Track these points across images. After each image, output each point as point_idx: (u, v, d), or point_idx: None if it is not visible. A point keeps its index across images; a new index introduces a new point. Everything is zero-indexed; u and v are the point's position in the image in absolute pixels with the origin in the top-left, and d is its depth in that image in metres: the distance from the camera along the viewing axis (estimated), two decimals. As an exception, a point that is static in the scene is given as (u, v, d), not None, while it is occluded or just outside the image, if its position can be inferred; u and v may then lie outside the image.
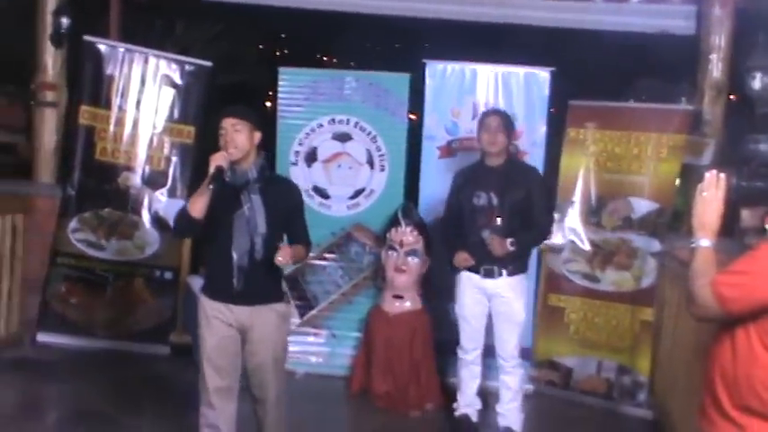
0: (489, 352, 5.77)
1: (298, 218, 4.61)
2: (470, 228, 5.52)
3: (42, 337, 6.90)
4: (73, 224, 6.91)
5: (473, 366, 5.76)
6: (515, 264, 5.52)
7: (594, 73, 8.50)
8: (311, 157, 6.87)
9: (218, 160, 4.23)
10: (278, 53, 13.80)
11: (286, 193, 4.59)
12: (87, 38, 6.95)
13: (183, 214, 4.33)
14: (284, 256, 4.29)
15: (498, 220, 5.41)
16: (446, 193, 6.33)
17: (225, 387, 4.48)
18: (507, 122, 5.57)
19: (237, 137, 4.31)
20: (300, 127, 6.85)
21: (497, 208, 5.44)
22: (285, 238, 4.54)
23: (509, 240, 5.36)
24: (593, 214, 6.68)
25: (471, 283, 5.58)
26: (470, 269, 5.55)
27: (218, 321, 4.42)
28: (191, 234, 4.54)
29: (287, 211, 4.53)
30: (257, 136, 4.43)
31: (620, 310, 6.58)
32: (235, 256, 4.35)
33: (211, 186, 4.20)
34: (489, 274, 5.50)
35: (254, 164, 4.40)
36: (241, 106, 4.47)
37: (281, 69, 6.99)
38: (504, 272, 5.48)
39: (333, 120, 6.84)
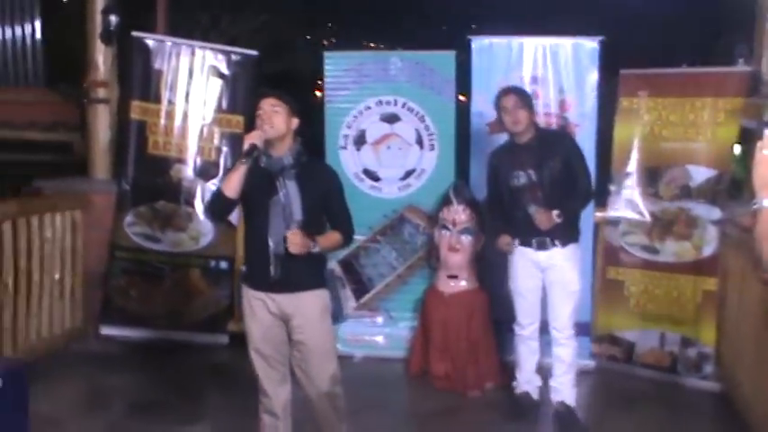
0: (546, 328, 5.68)
1: (336, 203, 4.53)
2: (514, 206, 5.47)
3: (105, 330, 7.02)
4: (129, 218, 6.99)
5: (530, 342, 5.70)
6: (566, 233, 5.45)
7: (646, 39, 8.31)
8: (360, 140, 6.84)
9: (252, 138, 4.21)
10: (324, 41, 13.81)
11: (322, 178, 4.51)
12: (135, 34, 7.02)
13: (216, 195, 4.34)
14: (293, 247, 4.22)
15: (540, 195, 5.33)
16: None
17: (275, 374, 4.49)
18: (524, 97, 5.47)
19: (275, 117, 4.27)
20: (348, 110, 6.82)
21: (537, 184, 5.36)
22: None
23: (555, 212, 5.29)
24: (649, 184, 6.53)
25: (524, 258, 5.52)
26: (523, 243, 5.49)
27: (261, 310, 4.40)
28: (224, 214, 4.51)
29: (324, 196, 4.45)
30: (294, 122, 4.37)
31: (681, 281, 6.42)
32: (271, 243, 4.28)
33: (245, 161, 4.16)
34: (542, 246, 5.44)
35: (289, 150, 4.34)
36: (280, 90, 4.44)
37: (326, 54, 6.97)
38: (557, 242, 5.41)
39: (380, 101, 6.80)
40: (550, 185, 5.34)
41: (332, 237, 4.50)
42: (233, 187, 4.21)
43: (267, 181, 4.30)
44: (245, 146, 4.19)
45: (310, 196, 4.34)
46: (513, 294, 5.68)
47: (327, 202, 4.47)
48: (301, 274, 4.35)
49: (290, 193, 4.30)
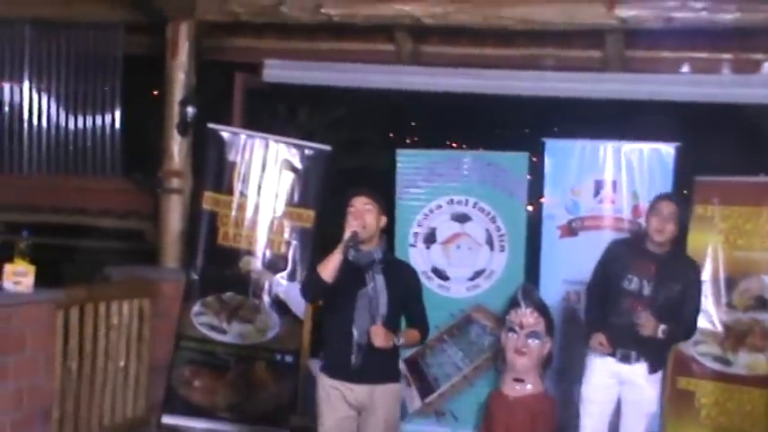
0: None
1: (416, 301, 4.76)
2: (612, 308, 5.28)
3: (167, 420, 6.95)
4: (196, 308, 7.00)
5: None
6: (655, 356, 5.27)
7: (722, 147, 8.26)
8: (430, 239, 6.84)
9: (353, 227, 4.42)
10: (399, 138, 13.93)
11: (406, 275, 4.78)
12: (211, 125, 7.12)
13: (313, 277, 4.47)
14: (380, 340, 4.43)
15: (642, 313, 5.11)
16: (569, 273, 6.25)
17: None
18: (679, 211, 5.29)
19: (367, 216, 4.51)
20: (419, 208, 6.85)
21: (648, 298, 5.18)
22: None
23: (661, 327, 5.07)
24: (723, 294, 6.40)
25: (604, 367, 5.33)
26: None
27: (337, 400, 4.52)
28: (318, 297, 4.67)
29: (407, 293, 4.68)
30: (383, 220, 4.64)
31: (754, 395, 6.25)
32: (355, 333, 4.48)
33: (352, 246, 4.41)
34: (626, 359, 5.23)
35: (378, 246, 4.57)
36: (370, 189, 4.68)
37: (399, 151, 7.05)
38: (642, 359, 5.21)
39: (451, 200, 6.81)
40: (659, 306, 5.13)
41: (412, 333, 4.73)
42: (331, 272, 4.39)
43: (355, 273, 4.48)
44: (347, 234, 4.39)
45: (395, 292, 4.57)
46: (583, 403, 5.48)
47: (408, 299, 4.71)
48: (381, 365, 4.54)
49: (377, 286, 4.52)
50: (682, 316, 5.23)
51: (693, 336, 5.72)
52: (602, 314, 5.36)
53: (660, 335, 5.08)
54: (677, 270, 5.25)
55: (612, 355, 5.27)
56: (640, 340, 5.16)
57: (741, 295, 6.39)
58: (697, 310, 5.37)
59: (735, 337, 6.36)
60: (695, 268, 5.49)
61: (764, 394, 6.20)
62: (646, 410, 5.32)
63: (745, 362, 6.31)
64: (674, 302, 5.16)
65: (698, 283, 5.40)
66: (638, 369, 5.23)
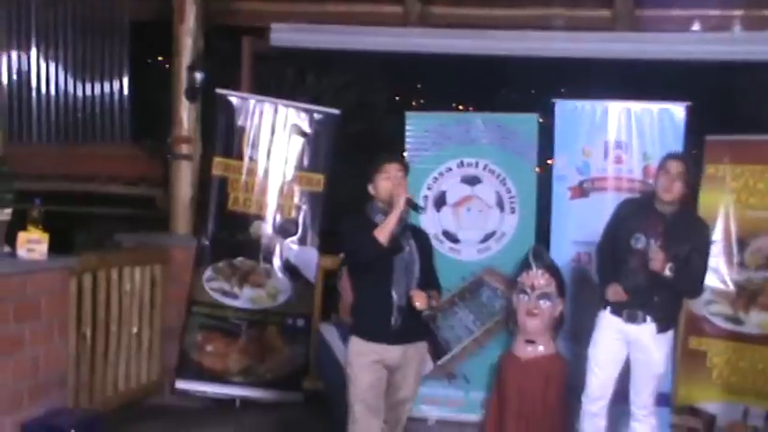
0: (620, 398, 5.48)
1: (432, 264, 4.96)
2: (620, 267, 5.27)
3: (181, 384, 7.00)
4: (207, 273, 7.02)
5: (597, 420, 5.48)
6: (662, 314, 5.23)
7: (733, 106, 8.21)
8: (440, 202, 6.82)
9: (401, 195, 4.59)
10: (408, 101, 13.89)
11: (426, 238, 5.00)
12: (219, 91, 7.11)
13: (369, 242, 4.55)
14: (421, 301, 4.58)
15: (654, 246, 5.08)
16: (580, 234, 6.22)
17: (376, 424, 4.70)
18: (689, 170, 5.25)
19: (403, 182, 4.72)
20: (429, 171, 6.82)
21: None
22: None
23: (669, 265, 5.01)
24: (735, 253, 6.39)
25: (612, 326, 5.33)
26: (613, 311, 5.30)
27: (373, 362, 4.64)
28: (373, 261, 4.64)
29: (429, 256, 4.90)
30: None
31: (766, 354, 6.24)
32: (395, 296, 4.62)
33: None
34: (632, 319, 5.23)
35: (406, 212, 4.72)
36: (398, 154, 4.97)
37: (408, 114, 7.00)
38: (649, 318, 5.20)
39: (461, 163, 6.79)
40: (673, 267, 5.07)
41: (437, 295, 4.88)
42: (387, 236, 4.55)
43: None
44: (402, 200, 4.57)
45: (424, 255, 4.81)
46: (589, 362, 5.48)
47: (429, 262, 4.90)
48: (415, 326, 4.70)
49: (413, 250, 4.74)
50: (689, 273, 5.18)
51: (700, 295, 5.72)
52: (608, 268, 5.39)
53: (667, 272, 5.02)
54: (685, 229, 5.22)
55: (619, 314, 5.28)
56: (648, 299, 5.17)
57: (753, 254, 6.37)
58: (704, 269, 5.31)
59: (747, 296, 6.36)
60: (704, 228, 5.44)
61: (776, 353, 6.21)
62: (654, 371, 5.30)
63: (757, 321, 6.31)
64: (681, 261, 5.10)
65: (706, 244, 5.37)
66: (646, 329, 5.22)
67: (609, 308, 5.33)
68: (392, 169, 4.73)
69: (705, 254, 5.31)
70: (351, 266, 5.00)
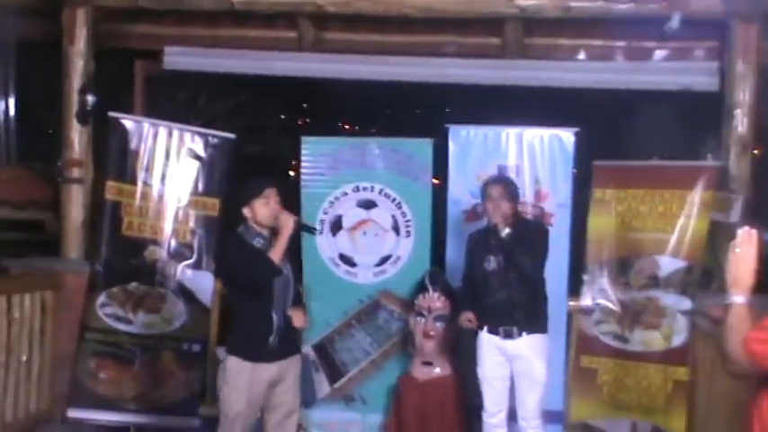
0: (513, 415, 5.76)
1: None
2: (485, 291, 5.64)
3: (73, 413, 6.82)
4: (101, 299, 6.88)
5: (498, 430, 5.75)
6: (533, 323, 5.58)
7: (618, 132, 8.52)
8: (336, 226, 6.87)
9: (290, 218, 4.79)
10: (300, 122, 13.92)
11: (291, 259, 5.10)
12: (112, 114, 7.00)
13: (270, 265, 4.70)
14: (300, 320, 4.91)
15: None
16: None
17: None
18: (511, 189, 5.65)
19: (279, 207, 4.85)
20: (324, 195, 6.86)
21: (504, 270, 5.57)
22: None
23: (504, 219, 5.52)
24: (620, 274, 6.63)
25: (492, 345, 5.65)
26: (490, 330, 5.63)
27: (251, 380, 4.79)
28: (270, 280, 4.79)
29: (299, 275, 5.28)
30: None
31: (650, 371, 6.51)
32: (275, 317, 4.80)
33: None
34: (509, 335, 5.58)
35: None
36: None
37: (304, 139, 7.02)
38: (524, 333, 5.54)
39: (357, 187, 6.85)
40: (518, 270, 5.51)
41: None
42: (280, 258, 4.74)
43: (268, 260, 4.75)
44: (291, 224, 4.77)
45: (297, 274, 5.09)
46: (481, 381, 5.77)
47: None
48: (293, 342, 5.04)
49: (289, 272, 4.92)
50: (529, 260, 5.53)
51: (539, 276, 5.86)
52: (473, 297, 5.77)
53: (506, 230, 5.47)
54: (521, 234, 5.57)
55: (496, 333, 5.61)
56: (517, 313, 5.55)
57: (636, 275, 6.62)
58: (542, 254, 5.65)
59: (631, 315, 6.59)
60: (538, 226, 6.01)
61: (660, 369, 6.46)
62: (537, 379, 5.60)
63: (640, 339, 6.55)
64: (527, 260, 5.50)
65: (540, 239, 5.70)
66: (522, 341, 5.57)
67: (485, 328, 5.67)
68: (272, 194, 4.86)
69: (541, 242, 5.67)
70: (236, 290, 5.07)
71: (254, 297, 4.79)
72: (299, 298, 5.17)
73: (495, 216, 5.55)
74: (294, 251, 6.52)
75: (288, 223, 4.73)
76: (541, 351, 5.64)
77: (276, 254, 4.69)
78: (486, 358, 5.69)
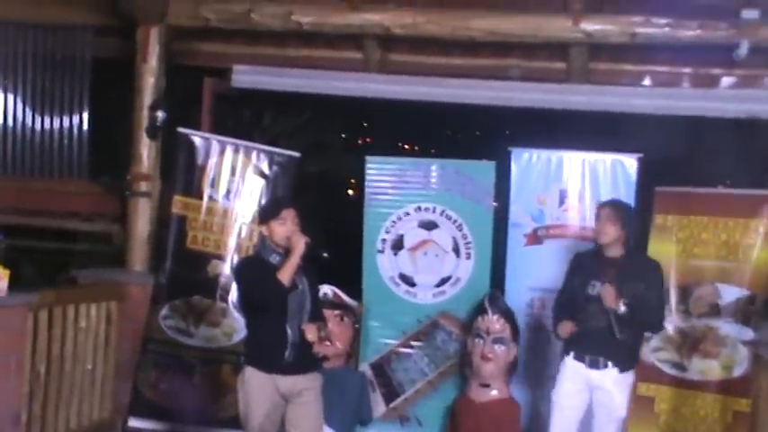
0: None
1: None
2: (580, 315, 5.43)
3: (133, 423, 6.96)
4: (164, 311, 7.02)
5: None
6: (623, 358, 5.41)
7: (682, 159, 8.45)
8: (398, 245, 6.95)
9: (301, 239, 4.83)
10: (361, 142, 13.99)
11: (316, 276, 5.21)
12: (181, 130, 7.15)
13: (274, 284, 4.78)
14: (313, 334, 4.90)
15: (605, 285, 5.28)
16: (535, 281, 6.44)
17: None
18: (619, 213, 5.45)
19: (295, 228, 4.92)
20: (387, 215, 6.95)
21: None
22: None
23: (621, 300, 5.20)
24: (681, 301, 6.57)
25: (575, 372, 5.48)
26: (576, 357, 5.46)
27: (269, 389, 4.89)
28: (277, 300, 4.87)
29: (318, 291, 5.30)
30: None
31: (708, 400, 6.43)
32: (290, 332, 4.86)
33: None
34: (594, 365, 5.40)
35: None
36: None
37: (368, 158, 7.14)
38: (610, 363, 5.37)
39: (419, 208, 6.93)
40: (628, 305, 5.25)
41: (324, 326, 5.18)
42: (290, 278, 4.82)
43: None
44: (302, 245, 4.81)
45: (315, 290, 5.14)
46: (553, 406, 5.60)
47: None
48: (309, 358, 5.07)
49: (305, 288, 4.98)
50: (648, 310, 5.37)
51: (661, 329, 5.90)
52: (568, 316, 5.49)
53: (621, 307, 5.20)
54: (637, 270, 5.43)
55: (582, 360, 5.42)
56: (609, 344, 5.32)
57: (695, 302, 6.55)
58: (661, 305, 5.56)
59: (689, 343, 6.52)
60: (656, 267, 5.64)
61: (717, 399, 6.38)
62: (616, 415, 5.46)
63: (698, 368, 6.48)
64: (637, 301, 5.28)
65: (659, 280, 5.56)
66: (608, 374, 5.38)
67: (572, 353, 5.48)
68: (289, 215, 4.94)
69: (659, 289, 5.53)
70: (247, 306, 5.16)
71: (266, 313, 4.88)
72: (320, 314, 5.20)
73: (598, 238, 5.48)
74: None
75: (299, 245, 4.81)
76: (626, 387, 5.50)
77: (285, 274, 4.78)
78: (565, 384, 5.53)
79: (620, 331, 5.26)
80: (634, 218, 5.62)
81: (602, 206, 5.60)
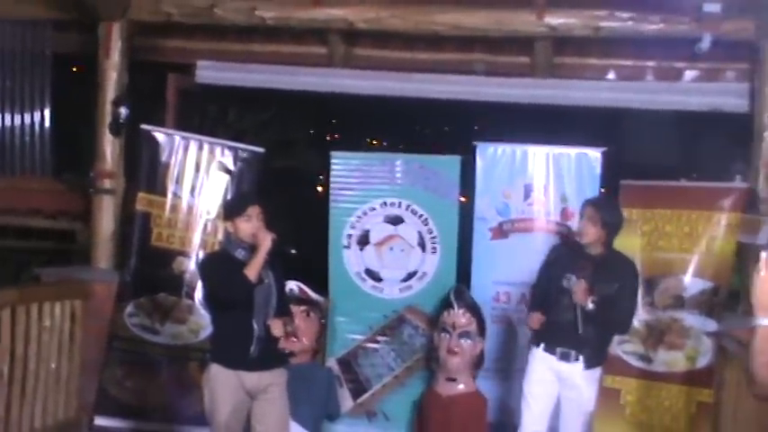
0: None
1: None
2: (553, 307, 5.46)
3: (99, 421, 6.91)
4: (129, 309, 6.97)
5: None
6: (593, 354, 5.45)
7: (646, 152, 8.51)
8: (363, 240, 6.94)
9: (267, 236, 4.84)
10: (328, 138, 13.99)
11: (282, 270, 5.22)
12: (145, 126, 7.10)
13: (240, 279, 4.78)
14: (278, 329, 4.94)
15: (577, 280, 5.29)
16: (500, 275, 6.52)
17: None
18: (602, 213, 5.45)
19: (260, 225, 4.93)
20: (352, 210, 6.93)
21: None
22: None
23: (591, 298, 5.24)
24: (645, 294, 6.59)
25: (545, 363, 5.51)
26: (546, 349, 5.48)
27: (234, 386, 4.91)
28: (242, 296, 4.87)
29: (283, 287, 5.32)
30: None
31: (673, 392, 6.47)
32: (256, 327, 4.87)
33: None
34: (565, 358, 5.43)
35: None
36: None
37: (333, 153, 7.11)
38: (581, 357, 5.40)
39: (385, 203, 6.91)
40: (596, 303, 5.28)
41: (291, 321, 5.37)
42: (256, 274, 4.81)
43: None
44: (268, 242, 4.82)
45: (281, 284, 5.16)
46: (524, 397, 5.63)
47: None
48: (273, 353, 5.08)
49: (271, 282, 4.99)
50: (618, 311, 5.41)
51: (628, 331, 5.90)
52: (541, 308, 5.53)
53: (590, 304, 5.23)
54: (613, 269, 5.46)
55: (553, 353, 5.45)
56: (578, 339, 5.36)
57: (661, 294, 6.58)
58: (632, 306, 5.61)
59: (655, 335, 6.56)
60: (631, 268, 5.69)
61: (682, 390, 6.42)
62: (584, 409, 5.50)
63: (663, 359, 6.51)
64: (608, 301, 5.32)
65: (633, 282, 5.61)
66: (577, 368, 5.42)
67: (542, 345, 5.50)
68: (254, 212, 4.95)
69: (632, 291, 5.58)
70: (213, 301, 5.15)
71: (231, 308, 4.88)
72: (286, 309, 5.24)
73: (579, 237, 5.49)
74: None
75: (264, 241, 4.82)
76: (594, 382, 5.54)
77: (251, 270, 4.78)
78: (535, 374, 5.55)
79: (584, 328, 5.29)
80: (618, 217, 5.60)
81: (587, 205, 5.58)
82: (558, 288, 5.42)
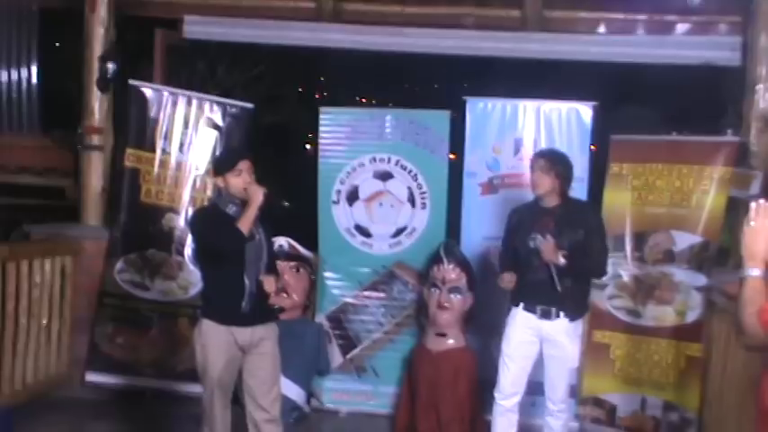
0: (534, 390, 5.66)
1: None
2: (526, 269, 5.38)
3: (91, 377, 6.97)
4: (119, 265, 6.99)
5: (510, 414, 5.56)
6: (574, 306, 5.40)
7: (637, 107, 8.47)
8: (353, 196, 6.91)
9: (259, 190, 4.77)
10: (317, 95, 13.92)
11: (271, 226, 5.16)
12: (132, 82, 7.06)
13: (239, 234, 4.74)
14: (270, 285, 4.91)
15: (543, 239, 5.23)
16: (490, 230, 6.40)
17: (229, 414, 5.06)
18: (554, 163, 5.37)
19: (250, 179, 4.87)
20: (341, 166, 6.89)
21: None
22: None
23: (561, 252, 5.19)
24: (636, 248, 6.60)
25: (525, 323, 5.43)
26: (526, 308, 5.42)
27: (226, 341, 4.87)
28: (236, 249, 4.82)
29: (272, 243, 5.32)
30: None
31: (661, 346, 6.48)
32: (247, 282, 4.84)
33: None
34: (546, 315, 5.36)
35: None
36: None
37: (322, 109, 7.05)
38: (562, 313, 5.35)
39: (374, 158, 6.88)
40: (567, 256, 5.23)
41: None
42: (248, 228, 4.78)
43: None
44: (260, 196, 4.75)
45: (270, 241, 5.13)
46: (502, 358, 5.55)
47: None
48: (265, 308, 5.04)
49: (262, 238, 4.95)
50: (589, 256, 5.37)
51: (605, 274, 5.83)
52: (512, 266, 5.47)
53: (561, 260, 5.19)
54: (574, 217, 5.39)
55: (533, 311, 5.39)
56: (556, 295, 5.30)
57: (651, 249, 6.57)
58: (603, 249, 5.51)
59: (644, 290, 6.56)
60: (593, 210, 5.72)
61: (671, 344, 6.43)
62: (569, 365, 5.47)
63: (653, 314, 6.52)
64: (579, 246, 5.28)
65: (599, 224, 5.55)
66: (559, 324, 5.36)
67: (522, 304, 5.45)
68: (244, 166, 4.88)
69: (599, 232, 5.50)
70: (205, 255, 5.07)
71: (226, 263, 4.84)
72: (274, 266, 5.21)
73: (534, 189, 5.41)
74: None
75: (256, 196, 4.77)
76: (577, 335, 5.49)
77: (244, 224, 4.75)
78: (515, 334, 5.47)
79: (561, 283, 5.25)
80: (569, 167, 5.47)
81: (535, 157, 5.52)
82: (526, 250, 5.36)
